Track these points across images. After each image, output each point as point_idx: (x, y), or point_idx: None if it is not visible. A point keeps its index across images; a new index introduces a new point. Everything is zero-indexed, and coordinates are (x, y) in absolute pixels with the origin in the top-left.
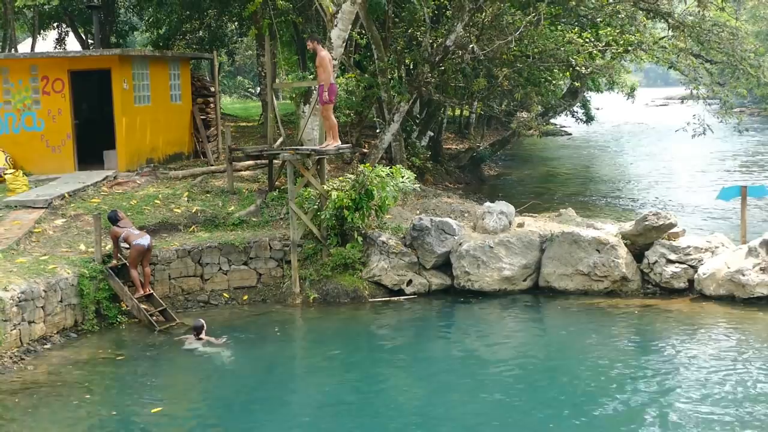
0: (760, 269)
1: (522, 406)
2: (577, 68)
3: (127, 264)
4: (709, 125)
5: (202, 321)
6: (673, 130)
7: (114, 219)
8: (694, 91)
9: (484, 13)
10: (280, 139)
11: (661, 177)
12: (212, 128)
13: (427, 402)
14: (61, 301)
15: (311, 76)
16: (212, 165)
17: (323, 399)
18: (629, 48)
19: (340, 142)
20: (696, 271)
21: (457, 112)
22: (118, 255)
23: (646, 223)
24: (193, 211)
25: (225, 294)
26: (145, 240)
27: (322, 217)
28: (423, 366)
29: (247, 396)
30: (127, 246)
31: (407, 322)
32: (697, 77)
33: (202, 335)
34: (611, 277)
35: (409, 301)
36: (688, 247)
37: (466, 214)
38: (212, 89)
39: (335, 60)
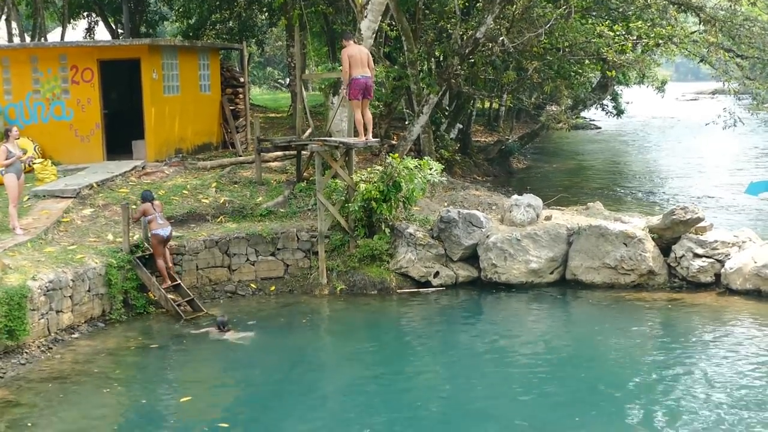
0: None
1: (548, 398)
2: (608, 61)
3: (154, 254)
4: (740, 117)
5: (226, 318)
6: (703, 125)
7: (148, 197)
8: (726, 85)
9: (514, 6)
10: (309, 131)
11: (690, 171)
12: (241, 119)
13: (453, 393)
14: (88, 291)
15: (340, 68)
16: (240, 156)
17: (350, 389)
18: (660, 41)
19: (366, 138)
20: (723, 266)
21: (487, 104)
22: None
23: (674, 217)
24: (221, 201)
25: (252, 284)
26: (164, 231)
27: (350, 208)
28: (450, 357)
29: (275, 386)
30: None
31: (434, 314)
32: (728, 71)
33: (226, 329)
34: (638, 270)
35: (435, 293)
36: (716, 241)
37: (493, 207)
38: (241, 80)
39: None
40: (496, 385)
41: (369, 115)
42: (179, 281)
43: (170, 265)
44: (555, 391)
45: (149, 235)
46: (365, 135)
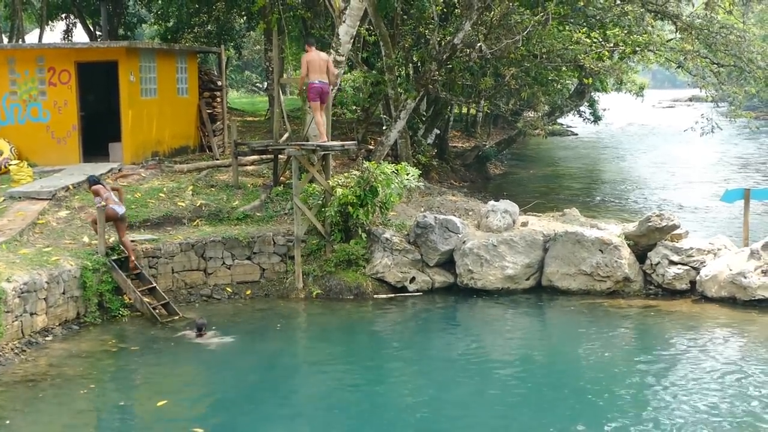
0: (762, 272)
1: (523, 405)
2: (586, 66)
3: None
4: (717, 123)
5: (204, 320)
6: (679, 132)
7: (96, 180)
8: (703, 91)
9: (492, 12)
10: (286, 135)
11: (666, 178)
12: (218, 122)
13: (428, 399)
14: (63, 293)
15: None
16: (217, 159)
17: (325, 394)
18: (637, 49)
19: (327, 140)
20: (698, 273)
21: (464, 110)
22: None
23: (650, 224)
24: (198, 204)
25: (228, 288)
26: (120, 209)
27: (327, 213)
28: (425, 363)
29: (250, 391)
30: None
31: (410, 320)
32: (705, 77)
33: (203, 333)
34: (614, 277)
35: (411, 299)
36: (691, 248)
37: (470, 213)
38: (219, 83)
39: (342, 56)
40: (471, 392)
41: (325, 119)
42: (155, 284)
43: (129, 245)
44: (529, 398)
45: (106, 208)
46: (321, 137)
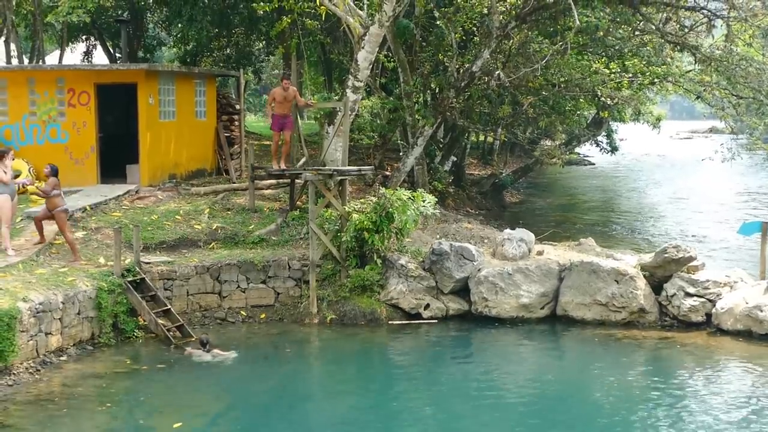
0: None
1: None
2: (603, 98)
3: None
4: (738, 152)
5: (208, 336)
6: (697, 163)
7: (57, 171)
8: (722, 122)
9: (511, 41)
10: (303, 159)
11: (682, 210)
12: (236, 146)
13: (440, 428)
14: (78, 314)
15: (336, 97)
16: (234, 182)
17: (337, 420)
18: (655, 80)
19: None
20: (714, 306)
21: (481, 137)
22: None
23: (666, 255)
24: (214, 227)
25: (242, 312)
26: (67, 206)
27: (342, 238)
28: (438, 391)
29: (264, 416)
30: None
31: (423, 347)
32: (724, 107)
33: (209, 348)
34: (629, 308)
35: (426, 325)
36: (707, 281)
37: (485, 240)
38: (237, 107)
39: (360, 82)
40: (483, 422)
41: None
42: (169, 306)
43: (72, 240)
44: (542, 429)
45: (56, 210)
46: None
